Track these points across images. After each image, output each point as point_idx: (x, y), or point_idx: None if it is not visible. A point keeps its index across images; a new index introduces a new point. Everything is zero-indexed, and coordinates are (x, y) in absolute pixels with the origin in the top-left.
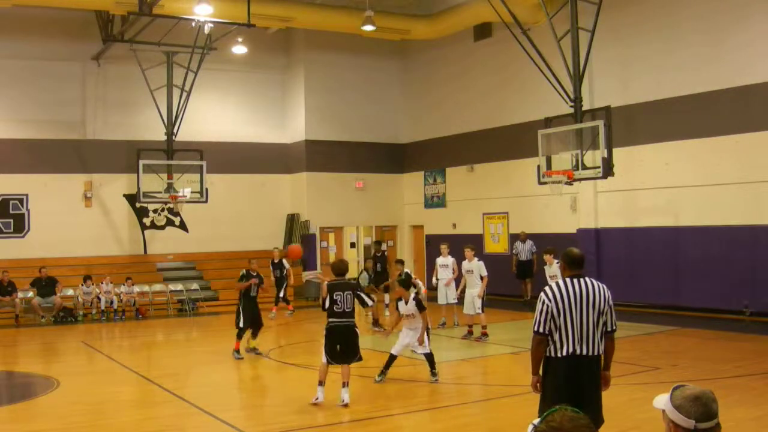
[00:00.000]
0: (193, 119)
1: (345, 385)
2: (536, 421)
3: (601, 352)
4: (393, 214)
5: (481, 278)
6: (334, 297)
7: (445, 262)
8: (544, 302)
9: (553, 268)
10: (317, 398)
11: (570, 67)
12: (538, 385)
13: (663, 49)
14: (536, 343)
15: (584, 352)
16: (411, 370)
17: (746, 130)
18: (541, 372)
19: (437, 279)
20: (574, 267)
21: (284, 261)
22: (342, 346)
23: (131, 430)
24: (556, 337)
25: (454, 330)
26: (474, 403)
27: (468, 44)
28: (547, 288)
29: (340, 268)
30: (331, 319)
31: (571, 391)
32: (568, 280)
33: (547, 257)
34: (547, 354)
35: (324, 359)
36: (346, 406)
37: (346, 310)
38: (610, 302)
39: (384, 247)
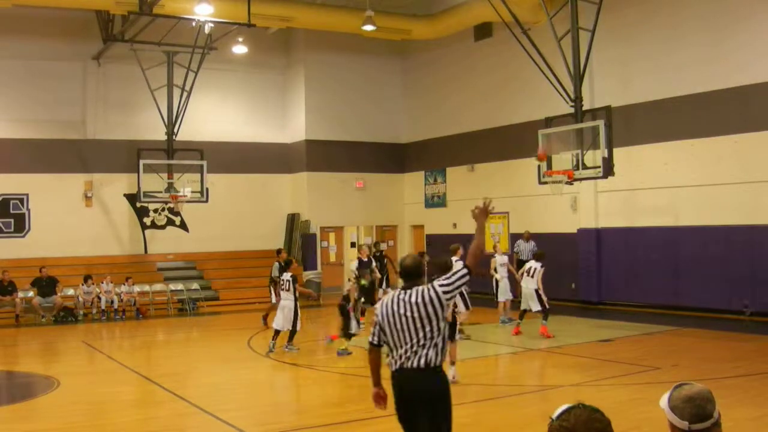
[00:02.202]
0: (194, 119)
1: (452, 363)
2: (554, 415)
3: (431, 363)
4: (393, 214)
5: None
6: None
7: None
8: (375, 315)
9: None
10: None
11: (570, 67)
12: (378, 398)
13: (663, 49)
14: (369, 353)
15: (410, 364)
16: None
17: (746, 130)
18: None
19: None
20: (405, 278)
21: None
22: None
23: (131, 430)
24: (390, 350)
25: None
26: (474, 403)
27: (468, 44)
28: (381, 300)
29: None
30: None
31: (405, 407)
32: (399, 292)
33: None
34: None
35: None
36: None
37: None
38: (445, 290)
39: (383, 246)
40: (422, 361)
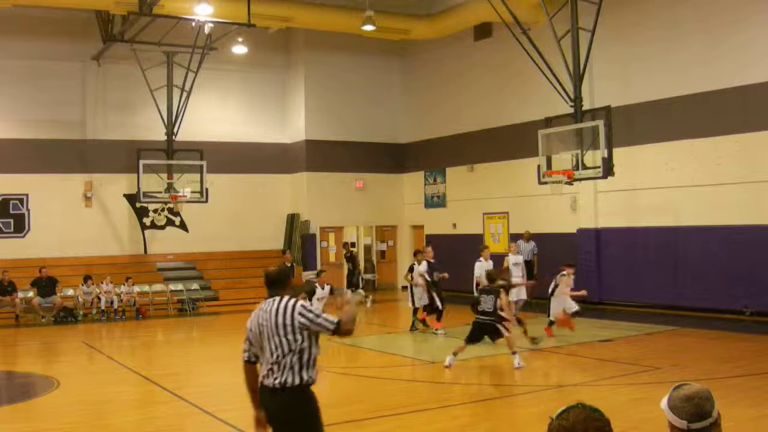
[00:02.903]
0: (193, 119)
1: (514, 353)
2: (554, 415)
3: (296, 382)
4: (393, 214)
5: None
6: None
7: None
8: (247, 326)
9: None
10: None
11: (570, 67)
12: (258, 424)
13: (663, 49)
14: (243, 371)
15: (271, 383)
16: (411, 369)
17: (746, 130)
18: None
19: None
20: (268, 287)
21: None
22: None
23: (131, 430)
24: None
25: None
26: (474, 403)
27: (468, 44)
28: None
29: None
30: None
31: (273, 426)
32: (265, 302)
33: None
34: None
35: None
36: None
37: (487, 309)
38: (307, 319)
39: (353, 248)
40: (277, 381)
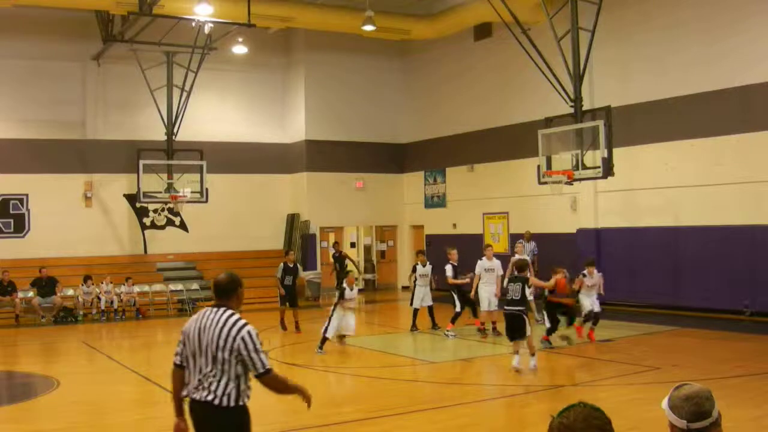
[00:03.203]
0: (194, 119)
1: (532, 355)
2: (556, 414)
3: (224, 402)
4: (393, 214)
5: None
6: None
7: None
8: (183, 329)
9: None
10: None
11: (570, 67)
12: (178, 430)
13: (663, 49)
14: (172, 375)
15: (200, 397)
16: (411, 369)
17: (746, 130)
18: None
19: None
20: (216, 295)
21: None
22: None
23: (131, 430)
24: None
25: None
26: (474, 403)
27: (468, 44)
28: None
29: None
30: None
31: None
32: (205, 310)
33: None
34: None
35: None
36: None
37: (515, 298)
38: (246, 346)
39: (341, 248)
40: (208, 397)
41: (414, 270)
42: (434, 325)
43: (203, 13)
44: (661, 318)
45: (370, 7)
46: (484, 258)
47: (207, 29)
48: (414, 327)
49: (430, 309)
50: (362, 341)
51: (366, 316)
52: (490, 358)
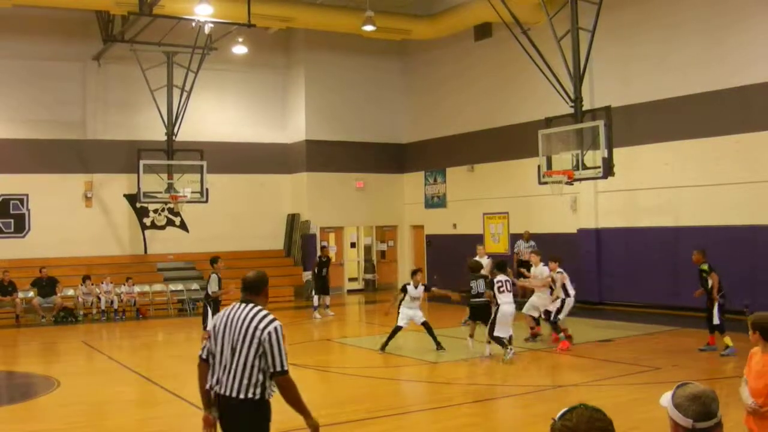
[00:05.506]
0: (194, 119)
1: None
2: (557, 416)
3: (248, 395)
4: (393, 214)
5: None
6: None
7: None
8: (211, 324)
9: (538, 269)
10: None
11: (570, 67)
12: (207, 424)
13: (663, 49)
14: (198, 368)
15: (224, 391)
16: (411, 369)
17: (746, 131)
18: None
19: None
20: (243, 291)
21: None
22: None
23: (131, 430)
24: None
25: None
26: (474, 403)
27: (468, 44)
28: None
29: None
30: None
31: None
32: (234, 305)
33: (534, 258)
34: None
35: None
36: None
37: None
38: (271, 341)
39: (329, 252)
40: (234, 390)
41: (404, 291)
42: (438, 345)
43: (203, 13)
44: (660, 318)
45: (370, 7)
46: (477, 257)
47: (207, 29)
48: (386, 345)
49: (427, 326)
50: (362, 341)
51: (366, 316)
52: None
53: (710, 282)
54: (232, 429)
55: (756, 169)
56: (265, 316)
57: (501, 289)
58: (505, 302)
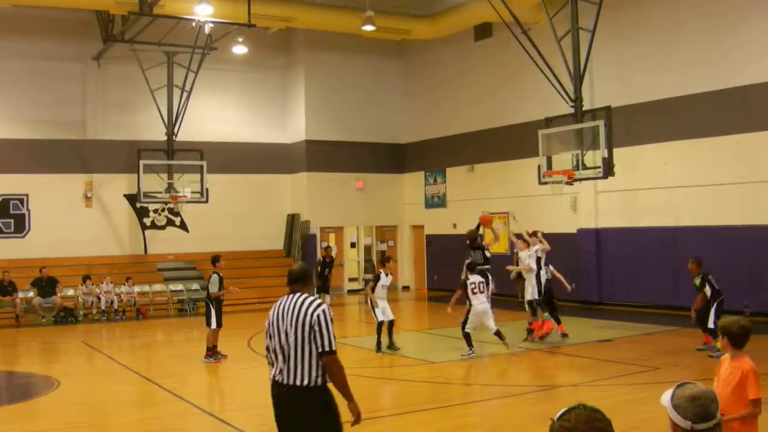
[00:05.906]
0: (194, 119)
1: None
2: (555, 417)
3: (311, 382)
4: (393, 214)
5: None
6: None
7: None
8: (266, 322)
9: (524, 253)
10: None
11: (570, 67)
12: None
13: (663, 49)
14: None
15: (284, 380)
16: (411, 369)
17: (746, 131)
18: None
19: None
20: (289, 283)
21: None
22: None
23: (131, 430)
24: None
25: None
26: (474, 403)
27: (468, 44)
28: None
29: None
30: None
31: (278, 422)
32: (281, 298)
33: (521, 244)
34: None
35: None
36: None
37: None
38: (320, 322)
39: (332, 252)
40: (293, 378)
41: (377, 280)
42: (391, 344)
43: (203, 13)
44: (660, 318)
45: (370, 7)
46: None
47: (207, 29)
48: (383, 345)
49: (391, 324)
50: (362, 341)
51: (366, 316)
52: (489, 358)
53: (706, 290)
54: (296, 417)
55: (756, 169)
56: (313, 301)
57: (474, 291)
58: (478, 303)
